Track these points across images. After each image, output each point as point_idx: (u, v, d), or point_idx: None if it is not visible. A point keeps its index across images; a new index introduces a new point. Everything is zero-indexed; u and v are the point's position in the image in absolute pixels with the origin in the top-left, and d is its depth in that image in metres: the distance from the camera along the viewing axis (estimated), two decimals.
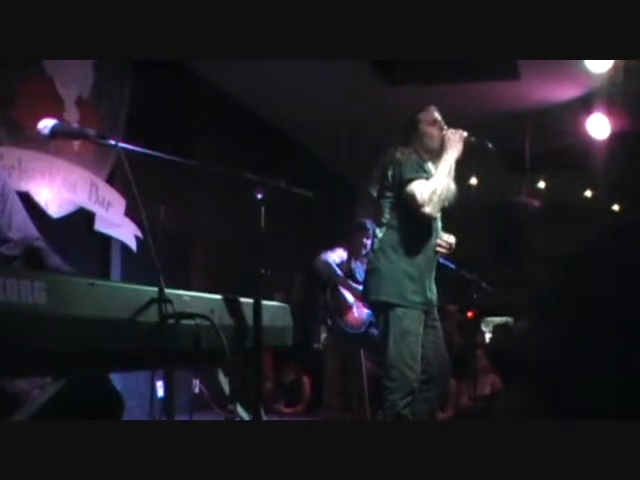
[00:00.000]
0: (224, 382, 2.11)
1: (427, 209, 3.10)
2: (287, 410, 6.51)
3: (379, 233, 3.23)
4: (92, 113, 5.04)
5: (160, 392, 3.90)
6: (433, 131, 3.27)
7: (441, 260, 3.47)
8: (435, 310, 3.27)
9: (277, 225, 2.46)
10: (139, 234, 5.06)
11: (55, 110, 4.58)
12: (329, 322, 5.11)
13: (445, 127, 3.27)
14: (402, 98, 5.57)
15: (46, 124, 1.83)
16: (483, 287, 5.16)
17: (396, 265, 3.15)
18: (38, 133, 1.83)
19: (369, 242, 4.09)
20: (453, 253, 3.37)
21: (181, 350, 1.75)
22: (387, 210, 3.21)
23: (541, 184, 8.71)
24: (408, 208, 3.13)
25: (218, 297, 1.99)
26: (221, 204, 6.13)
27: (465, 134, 3.23)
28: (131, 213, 5.03)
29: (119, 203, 5.06)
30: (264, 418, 2.11)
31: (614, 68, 5.54)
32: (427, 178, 3.15)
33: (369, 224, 4.58)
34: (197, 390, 4.88)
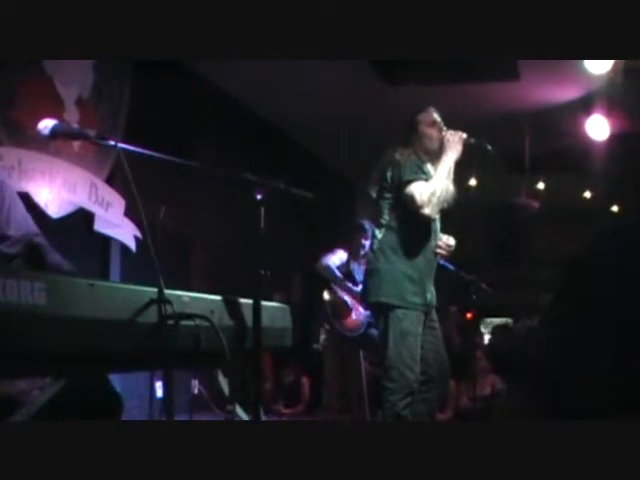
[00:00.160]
0: (223, 383, 2.11)
1: (426, 210, 3.10)
2: (286, 411, 6.51)
3: (378, 234, 3.23)
4: (92, 113, 5.04)
5: (159, 393, 3.92)
6: (432, 132, 3.27)
7: (440, 261, 3.47)
8: (434, 311, 3.27)
9: (277, 226, 2.46)
10: (138, 234, 5.05)
11: (55, 110, 4.58)
12: (326, 326, 5.12)
13: (444, 128, 3.27)
14: (402, 98, 5.57)
15: (46, 124, 1.82)
16: (482, 288, 5.16)
17: (395, 266, 3.15)
18: (38, 133, 1.83)
19: (368, 243, 4.10)
20: (452, 254, 3.37)
21: (180, 351, 1.75)
22: (386, 211, 3.21)
23: (540, 185, 8.71)
24: (407, 209, 3.13)
25: (218, 298, 1.99)
26: (221, 205, 6.13)
27: (464, 135, 3.23)
28: (131, 213, 5.02)
29: (119, 203, 5.06)
30: (263, 419, 2.11)
31: (613, 69, 5.55)
32: (426, 179, 3.15)
33: (368, 225, 4.59)
34: (196, 391, 4.88)
